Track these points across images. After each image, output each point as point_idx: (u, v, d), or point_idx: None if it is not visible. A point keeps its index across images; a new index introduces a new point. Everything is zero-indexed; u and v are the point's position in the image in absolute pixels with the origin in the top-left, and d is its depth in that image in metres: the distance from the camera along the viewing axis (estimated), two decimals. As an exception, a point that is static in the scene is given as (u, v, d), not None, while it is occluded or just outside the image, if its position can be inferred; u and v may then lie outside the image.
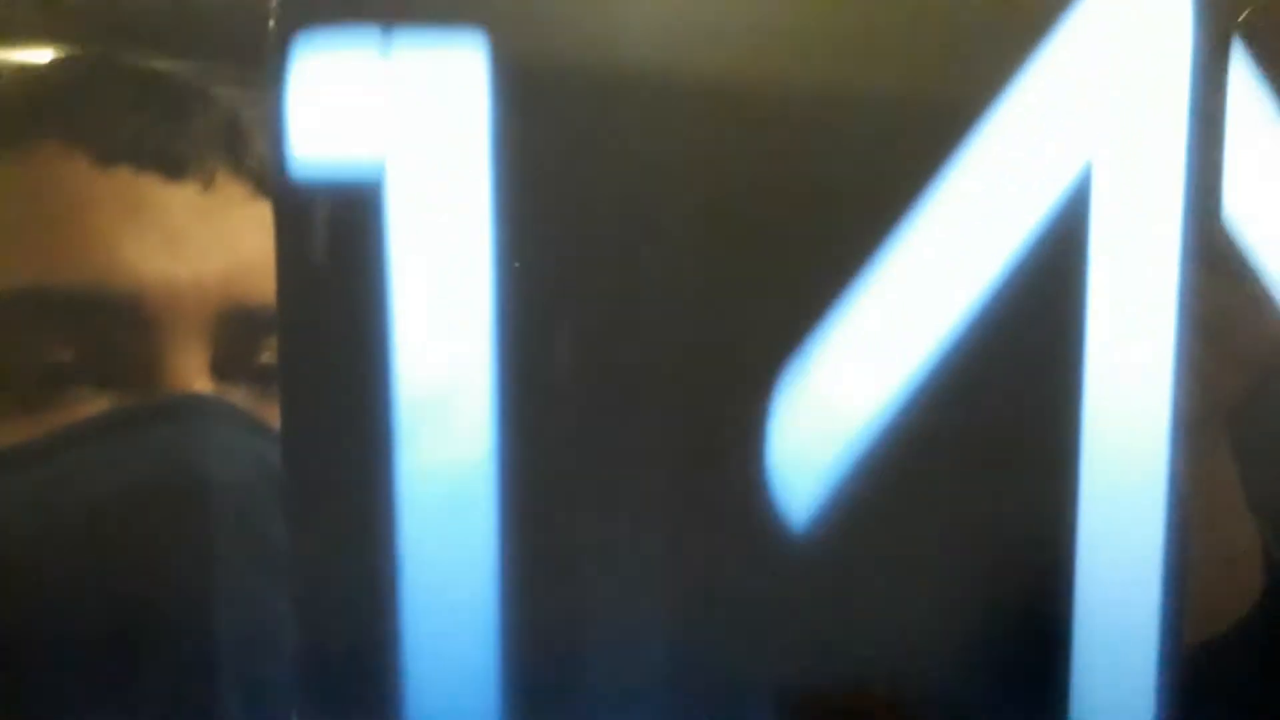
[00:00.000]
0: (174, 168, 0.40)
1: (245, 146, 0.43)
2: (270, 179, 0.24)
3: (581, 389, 0.24)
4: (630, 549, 0.24)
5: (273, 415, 0.40)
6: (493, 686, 0.24)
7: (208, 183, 0.41)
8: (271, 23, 0.24)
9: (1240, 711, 0.28)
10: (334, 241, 0.24)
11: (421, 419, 0.23)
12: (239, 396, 0.40)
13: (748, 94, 0.24)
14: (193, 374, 0.38)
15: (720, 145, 0.24)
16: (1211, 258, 0.26)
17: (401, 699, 0.24)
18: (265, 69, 0.25)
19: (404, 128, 0.23)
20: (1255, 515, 0.29)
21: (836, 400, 0.25)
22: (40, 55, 0.42)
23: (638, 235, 0.24)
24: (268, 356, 0.41)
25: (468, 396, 0.23)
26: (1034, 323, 0.26)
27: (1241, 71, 0.25)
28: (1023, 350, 0.26)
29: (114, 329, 0.38)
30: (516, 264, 0.23)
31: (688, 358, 0.24)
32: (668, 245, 0.24)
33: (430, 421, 0.23)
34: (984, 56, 0.25)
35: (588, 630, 0.24)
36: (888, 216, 0.25)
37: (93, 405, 0.38)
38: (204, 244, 0.39)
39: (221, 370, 0.40)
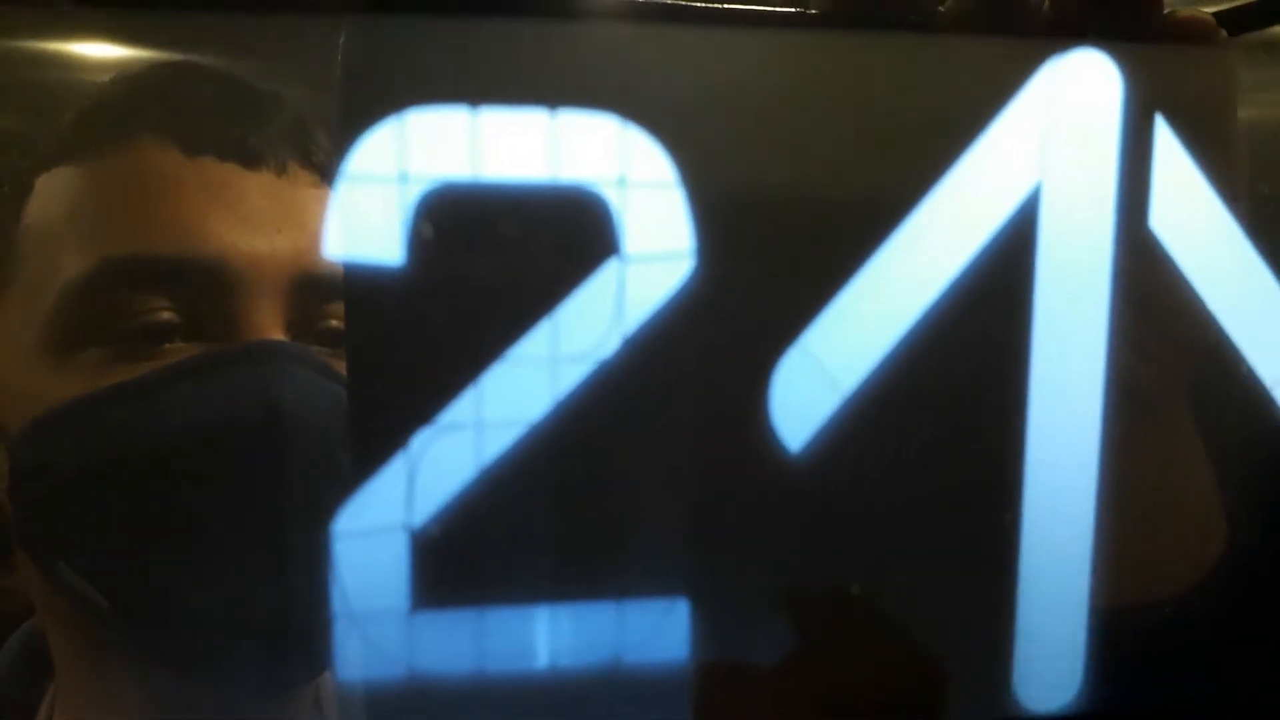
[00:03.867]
0: (250, 159, 0.44)
1: (313, 142, 0.47)
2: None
3: (632, 377, 0.29)
4: (660, 467, 0.30)
5: (340, 366, 0.45)
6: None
7: (280, 171, 0.45)
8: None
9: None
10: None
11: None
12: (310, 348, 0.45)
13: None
14: (269, 329, 0.43)
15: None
16: (1138, 255, 0.32)
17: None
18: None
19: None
20: (1221, 488, 0.33)
21: (828, 358, 0.30)
22: (137, 62, 0.46)
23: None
24: (335, 322, 0.46)
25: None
26: (992, 303, 0.31)
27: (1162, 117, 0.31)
28: (982, 324, 0.31)
29: (203, 291, 0.42)
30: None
31: (715, 332, 0.30)
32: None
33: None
34: (970, 105, 0.31)
35: (623, 535, 0.30)
36: (886, 217, 0.30)
37: (186, 355, 0.42)
38: (277, 222, 0.44)
39: (295, 328, 0.45)
